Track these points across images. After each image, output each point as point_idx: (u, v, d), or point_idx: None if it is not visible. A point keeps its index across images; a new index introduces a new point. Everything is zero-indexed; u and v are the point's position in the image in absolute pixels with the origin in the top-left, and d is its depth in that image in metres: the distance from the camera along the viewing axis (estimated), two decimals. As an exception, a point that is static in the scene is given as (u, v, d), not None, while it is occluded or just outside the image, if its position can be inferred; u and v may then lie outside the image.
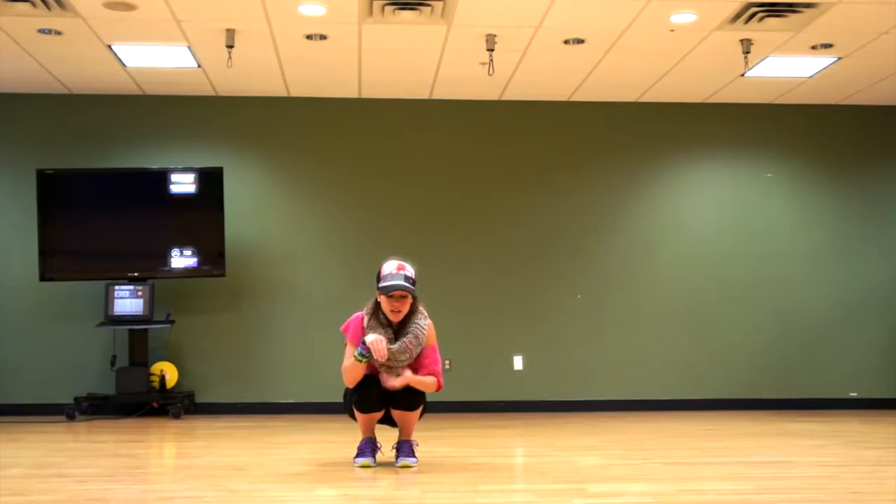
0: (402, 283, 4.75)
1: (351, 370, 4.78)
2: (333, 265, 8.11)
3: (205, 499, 4.08)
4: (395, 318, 4.81)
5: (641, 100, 8.38)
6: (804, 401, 8.26)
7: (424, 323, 4.86)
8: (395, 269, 4.80)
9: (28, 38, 6.67)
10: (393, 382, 4.75)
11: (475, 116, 8.39)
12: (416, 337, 4.79)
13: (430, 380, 4.82)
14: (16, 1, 5.93)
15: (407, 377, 4.75)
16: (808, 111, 8.53)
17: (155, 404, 7.58)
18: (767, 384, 8.32)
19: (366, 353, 4.69)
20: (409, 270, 4.83)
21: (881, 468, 5.00)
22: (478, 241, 8.30)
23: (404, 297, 4.79)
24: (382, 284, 4.79)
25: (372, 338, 4.69)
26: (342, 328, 4.93)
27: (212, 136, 8.21)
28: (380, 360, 4.71)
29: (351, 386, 4.85)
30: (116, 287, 7.66)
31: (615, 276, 8.35)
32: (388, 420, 4.97)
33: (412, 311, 4.85)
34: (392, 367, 4.78)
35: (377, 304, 4.86)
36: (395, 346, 4.75)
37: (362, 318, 4.87)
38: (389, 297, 4.77)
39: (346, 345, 4.88)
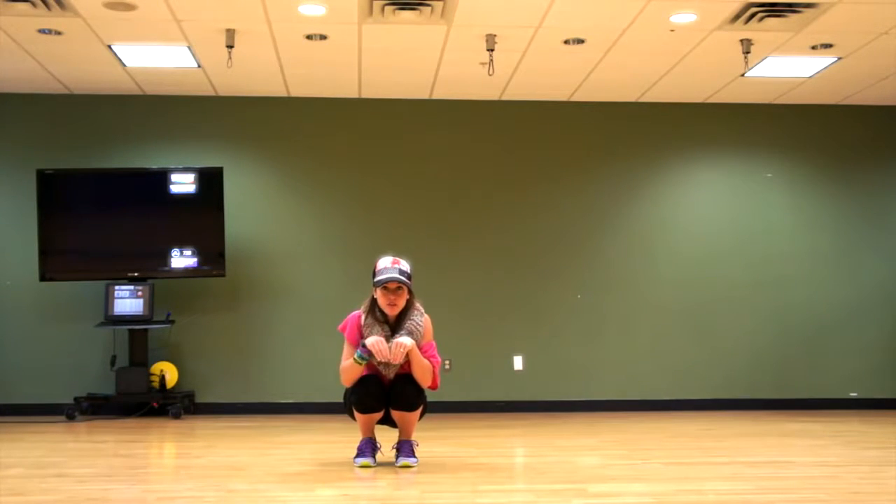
0: (397, 275, 4.76)
1: (349, 371, 4.79)
2: (333, 265, 8.11)
3: (205, 499, 4.08)
4: (392, 312, 4.81)
5: (641, 100, 8.38)
6: (804, 401, 8.26)
7: (421, 319, 4.86)
8: (389, 264, 4.82)
9: (28, 38, 6.67)
10: (395, 353, 4.68)
11: (475, 116, 8.39)
12: (412, 333, 4.78)
13: (428, 364, 4.80)
14: (16, 1, 5.93)
15: (409, 346, 4.70)
16: (808, 111, 8.53)
17: (155, 404, 7.58)
18: (767, 384, 8.32)
19: (365, 356, 4.70)
20: (405, 265, 4.85)
21: (881, 468, 5.00)
22: (478, 240, 8.30)
23: (400, 289, 4.79)
24: (378, 278, 4.80)
25: (372, 339, 4.69)
26: (340, 327, 4.94)
27: (212, 136, 8.21)
28: (380, 359, 4.71)
29: (348, 385, 4.85)
30: (116, 287, 7.66)
31: (615, 275, 8.35)
32: (387, 420, 4.97)
33: (408, 307, 4.85)
34: (389, 364, 4.78)
35: (374, 301, 4.86)
36: (391, 343, 4.75)
37: (359, 317, 4.88)
38: (385, 289, 4.77)
39: (344, 344, 4.89)
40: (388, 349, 4.69)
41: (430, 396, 4.96)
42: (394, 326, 4.83)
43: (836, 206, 8.55)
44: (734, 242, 8.45)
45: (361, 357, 4.72)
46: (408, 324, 4.82)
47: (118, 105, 8.11)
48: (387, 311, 4.81)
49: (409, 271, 4.85)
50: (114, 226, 7.77)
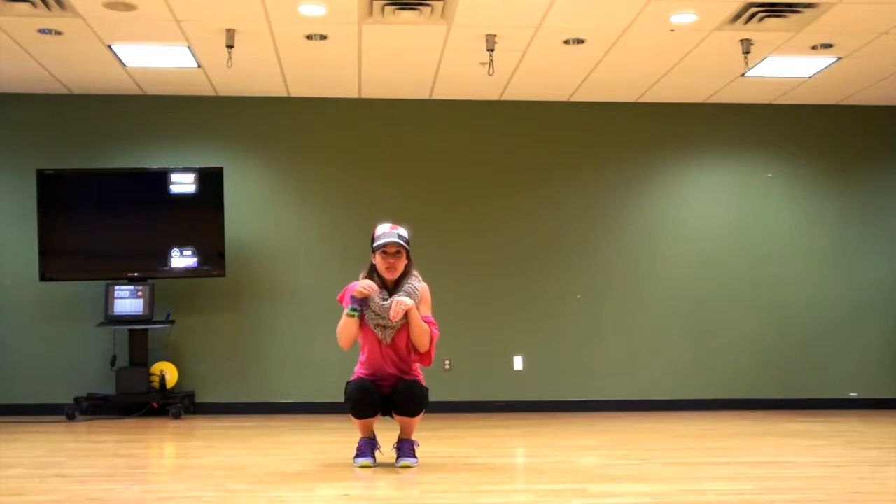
0: (395, 239, 4.79)
1: (345, 328, 4.78)
2: (333, 265, 8.09)
3: (205, 499, 4.08)
4: (391, 276, 4.82)
5: (641, 100, 8.38)
6: (804, 401, 8.26)
7: (418, 284, 4.87)
8: (388, 229, 4.86)
9: (28, 38, 6.67)
10: (395, 311, 4.67)
11: (475, 116, 8.39)
12: (409, 294, 4.78)
13: (426, 327, 4.77)
14: (16, 1, 5.93)
15: (409, 305, 4.69)
16: (808, 111, 8.53)
17: (155, 404, 7.58)
18: (767, 384, 8.32)
19: (357, 308, 4.71)
20: (403, 231, 4.88)
21: (881, 468, 5.00)
22: (478, 241, 8.30)
23: (399, 253, 4.82)
24: (377, 243, 4.83)
25: (363, 283, 4.71)
26: (338, 298, 4.94)
27: (212, 136, 8.21)
28: (373, 296, 4.70)
29: (346, 347, 4.83)
30: (116, 287, 7.66)
31: (615, 276, 8.35)
32: (387, 413, 4.94)
33: (406, 272, 4.87)
34: (386, 326, 4.77)
35: (372, 267, 4.88)
36: (388, 303, 4.74)
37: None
38: (384, 254, 4.80)
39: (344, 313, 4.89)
40: (381, 306, 4.68)
41: (431, 396, 4.95)
42: (392, 291, 4.83)
43: (836, 206, 8.55)
44: (734, 242, 8.45)
45: (353, 310, 4.73)
46: (405, 287, 4.82)
47: (118, 105, 8.11)
48: (385, 275, 4.82)
49: (407, 237, 4.87)
50: (114, 226, 7.77)
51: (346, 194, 8.26)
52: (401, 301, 4.70)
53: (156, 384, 7.63)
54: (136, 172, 7.86)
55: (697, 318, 8.36)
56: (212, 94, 8.12)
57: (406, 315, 4.73)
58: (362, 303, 4.75)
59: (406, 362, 4.87)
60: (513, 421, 7.47)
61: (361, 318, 4.79)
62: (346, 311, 4.76)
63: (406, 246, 4.84)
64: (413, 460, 4.89)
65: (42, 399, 7.77)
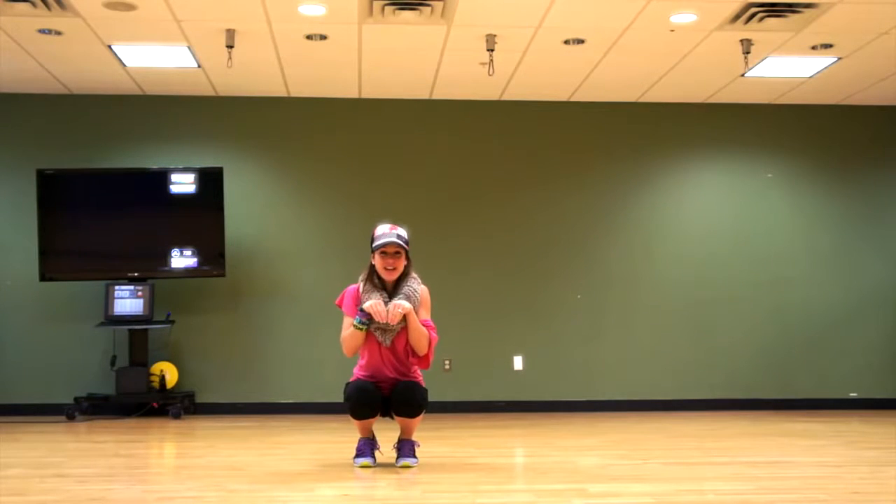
0: (395, 239, 4.79)
1: (350, 339, 4.79)
2: (333, 265, 8.10)
3: (205, 499, 4.08)
4: (390, 277, 4.81)
5: (641, 100, 8.38)
6: (804, 401, 8.26)
7: (418, 287, 4.87)
8: (388, 229, 4.85)
9: (28, 38, 6.67)
10: (392, 314, 4.69)
11: (475, 116, 8.39)
12: (409, 297, 4.78)
13: (425, 331, 4.76)
14: (16, 1, 5.93)
15: (407, 308, 4.70)
16: (808, 111, 8.54)
17: (155, 404, 7.58)
18: (767, 384, 8.32)
19: (365, 321, 4.71)
20: (402, 231, 4.87)
21: (881, 468, 5.00)
22: (478, 241, 8.30)
23: (398, 254, 4.81)
24: (376, 243, 4.82)
25: (370, 303, 4.72)
26: (336, 301, 4.94)
27: (212, 136, 8.22)
28: (379, 321, 4.70)
29: (350, 355, 4.85)
30: (116, 287, 7.66)
31: (615, 276, 8.35)
32: (386, 413, 4.94)
33: (406, 273, 4.86)
34: (386, 329, 4.77)
35: (372, 268, 4.87)
36: (389, 305, 4.74)
37: (356, 289, 4.88)
38: (384, 254, 4.79)
39: (343, 318, 4.88)
40: (386, 311, 4.70)
41: (431, 396, 4.95)
42: (391, 293, 4.82)
43: (836, 206, 8.55)
44: (734, 242, 8.45)
45: (361, 322, 4.72)
46: (405, 289, 4.82)
47: (118, 105, 8.11)
48: (384, 275, 4.82)
49: (406, 237, 4.87)
50: (114, 226, 7.77)
51: (346, 194, 8.26)
52: (398, 304, 4.71)
53: (156, 384, 7.63)
54: (136, 172, 7.86)
55: (697, 318, 8.36)
56: (212, 94, 8.12)
57: (404, 318, 4.73)
58: (370, 315, 4.74)
59: (405, 365, 4.88)
60: (513, 421, 7.47)
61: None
62: (354, 322, 4.74)
63: (405, 246, 4.83)
64: (413, 460, 4.89)
65: (42, 399, 7.77)
